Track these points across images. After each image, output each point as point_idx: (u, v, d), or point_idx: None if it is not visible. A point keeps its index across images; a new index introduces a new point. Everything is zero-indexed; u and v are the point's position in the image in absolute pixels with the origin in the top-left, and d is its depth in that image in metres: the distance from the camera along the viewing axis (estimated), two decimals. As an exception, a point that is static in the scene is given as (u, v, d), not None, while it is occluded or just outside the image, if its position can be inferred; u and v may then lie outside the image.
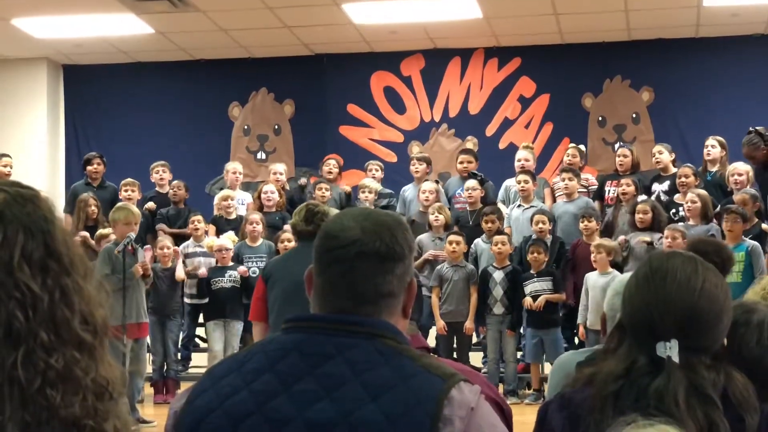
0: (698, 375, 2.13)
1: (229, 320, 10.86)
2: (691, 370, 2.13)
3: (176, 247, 11.02)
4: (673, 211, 10.92)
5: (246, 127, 14.90)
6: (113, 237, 9.82)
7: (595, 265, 10.03)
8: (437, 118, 14.54)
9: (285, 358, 1.94)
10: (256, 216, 11.31)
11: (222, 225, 11.79)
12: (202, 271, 11.06)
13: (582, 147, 12.60)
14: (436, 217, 11.01)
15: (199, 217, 11.57)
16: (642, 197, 10.82)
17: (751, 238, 9.92)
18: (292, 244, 10.38)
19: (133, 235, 9.44)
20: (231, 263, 11.02)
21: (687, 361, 2.14)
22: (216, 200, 12.19)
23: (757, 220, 10.30)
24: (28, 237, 1.54)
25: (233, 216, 11.92)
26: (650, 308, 2.20)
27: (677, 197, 11.03)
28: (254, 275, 10.48)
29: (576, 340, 10.58)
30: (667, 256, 2.29)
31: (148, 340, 10.24)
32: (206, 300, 11.03)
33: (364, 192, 11.81)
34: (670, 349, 2.14)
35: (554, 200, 11.80)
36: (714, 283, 2.21)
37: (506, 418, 3.04)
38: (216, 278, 10.94)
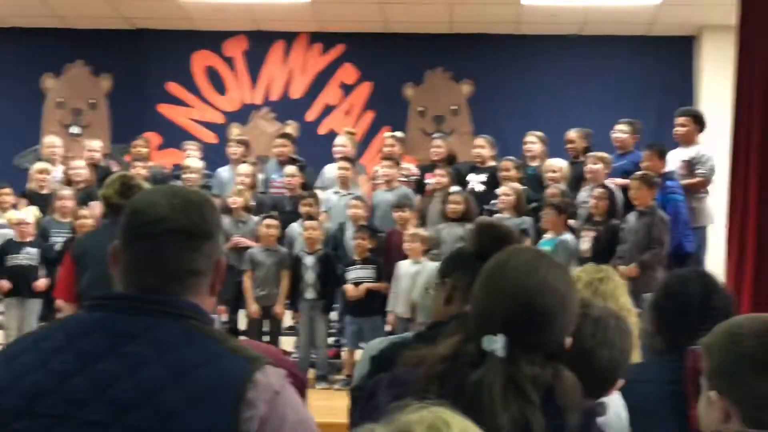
0: (519, 370, 2.13)
1: (26, 299, 10.51)
2: (513, 365, 2.13)
3: None
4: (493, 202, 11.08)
5: (60, 99, 14.45)
6: None
7: (407, 254, 10.12)
8: (258, 101, 14.45)
9: (86, 337, 1.89)
10: (68, 192, 11.02)
11: (36, 200, 11.42)
12: None
13: (399, 134, 12.68)
14: (234, 200, 10.92)
15: (7, 190, 11.17)
16: (454, 188, 10.96)
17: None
18: (90, 221, 10.15)
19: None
20: (30, 239, 10.66)
21: (512, 356, 2.14)
22: (32, 171, 11.79)
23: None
24: None
25: (45, 191, 11.57)
26: (485, 300, 2.21)
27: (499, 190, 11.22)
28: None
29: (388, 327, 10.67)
30: (517, 251, 2.29)
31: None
32: None
33: (186, 173, 11.59)
34: (495, 343, 2.14)
35: (373, 188, 11.86)
36: (555, 284, 2.20)
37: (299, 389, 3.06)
38: (12, 254, 10.56)
